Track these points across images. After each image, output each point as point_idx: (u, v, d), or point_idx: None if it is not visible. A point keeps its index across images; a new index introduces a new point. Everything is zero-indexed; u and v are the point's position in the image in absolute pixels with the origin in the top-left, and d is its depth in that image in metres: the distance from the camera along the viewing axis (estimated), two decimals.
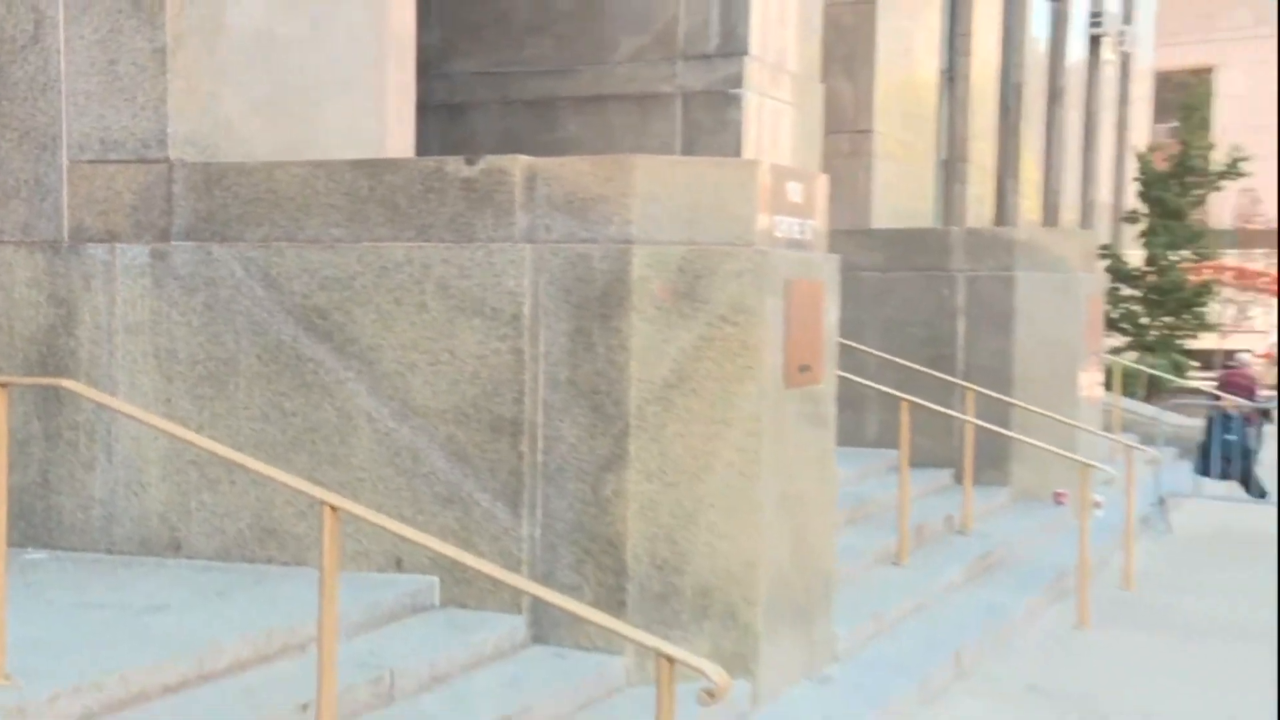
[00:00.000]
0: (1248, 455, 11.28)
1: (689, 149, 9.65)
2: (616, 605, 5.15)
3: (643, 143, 9.66)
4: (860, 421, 9.81)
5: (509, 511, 5.27)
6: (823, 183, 5.82)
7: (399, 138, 6.72)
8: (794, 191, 5.54)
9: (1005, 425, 9.35)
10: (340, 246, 5.44)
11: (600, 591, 5.20)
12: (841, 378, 6.53)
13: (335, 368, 5.46)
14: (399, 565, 5.40)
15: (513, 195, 5.22)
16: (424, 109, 7.90)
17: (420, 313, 5.34)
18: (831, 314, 5.90)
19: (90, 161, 5.77)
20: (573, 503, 5.24)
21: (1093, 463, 7.90)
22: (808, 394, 5.63)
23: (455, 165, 5.31)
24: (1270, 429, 13.88)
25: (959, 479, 9.25)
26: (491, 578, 4.05)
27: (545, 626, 5.27)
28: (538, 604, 5.17)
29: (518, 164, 5.24)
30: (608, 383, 5.18)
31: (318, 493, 3.84)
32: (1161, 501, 10.45)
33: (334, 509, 3.70)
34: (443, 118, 10.35)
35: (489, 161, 5.27)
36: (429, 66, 9.75)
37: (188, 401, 5.63)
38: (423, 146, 7.48)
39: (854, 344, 9.13)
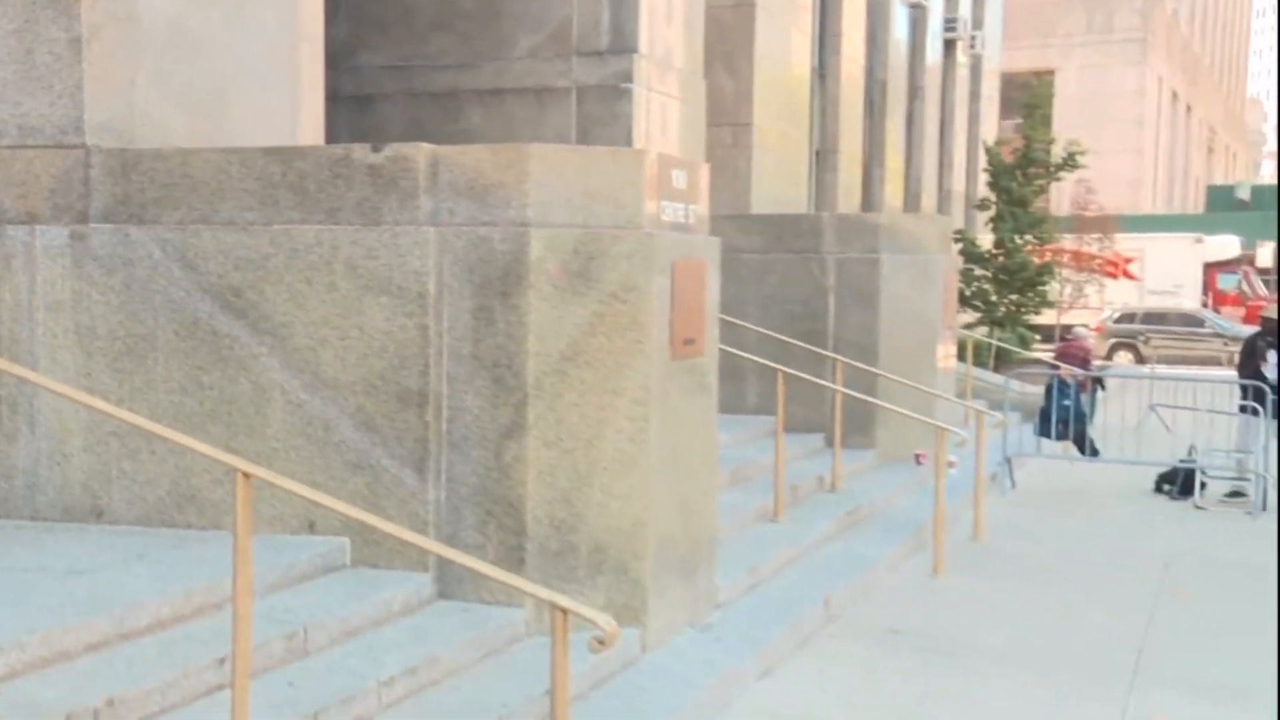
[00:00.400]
0: (1081, 418, 11.61)
1: (583, 139, 9.60)
2: (517, 563, 5.14)
3: (541, 133, 9.58)
4: (741, 391, 9.89)
5: (416, 477, 5.22)
6: (704, 170, 5.83)
7: (309, 127, 6.57)
8: (678, 178, 5.54)
9: (871, 393, 9.50)
10: (253, 229, 5.30)
11: (502, 550, 5.18)
12: (723, 350, 6.57)
13: (250, 343, 5.33)
14: (312, 528, 5.31)
15: (417, 181, 5.14)
16: (334, 100, 7.74)
17: (330, 291, 5.24)
18: (714, 292, 5.92)
19: (9, 147, 5.53)
20: (476, 468, 5.20)
21: (948, 427, 8.08)
22: (692, 366, 5.66)
23: (362, 152, 5.21)
24: (1102, 395, 14.34)
25: (830, 443, 9.37)
26: (399, 539, 4.00)
27: (450, 583, 5.23)
28: (443, 562, 5.13)
29: (421, 152, 5.15)
30: (508, 356, 5.15)
31: (231, 460, 3.75)
32: (1007, 461, 10.73)
33: (247, 475, 3.61)
34: (352, 109, 10.15)
35: (394, 149, 5.18)
36: (338, 59, 9.55)
37: (108, 376, 5.45)
38: (332, 135, 7.32)
39: (735, 320, 9.20)
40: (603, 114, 9.64)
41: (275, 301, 5.29)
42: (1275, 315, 10.41)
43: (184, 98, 5.85)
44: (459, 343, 5.18)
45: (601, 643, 3.27)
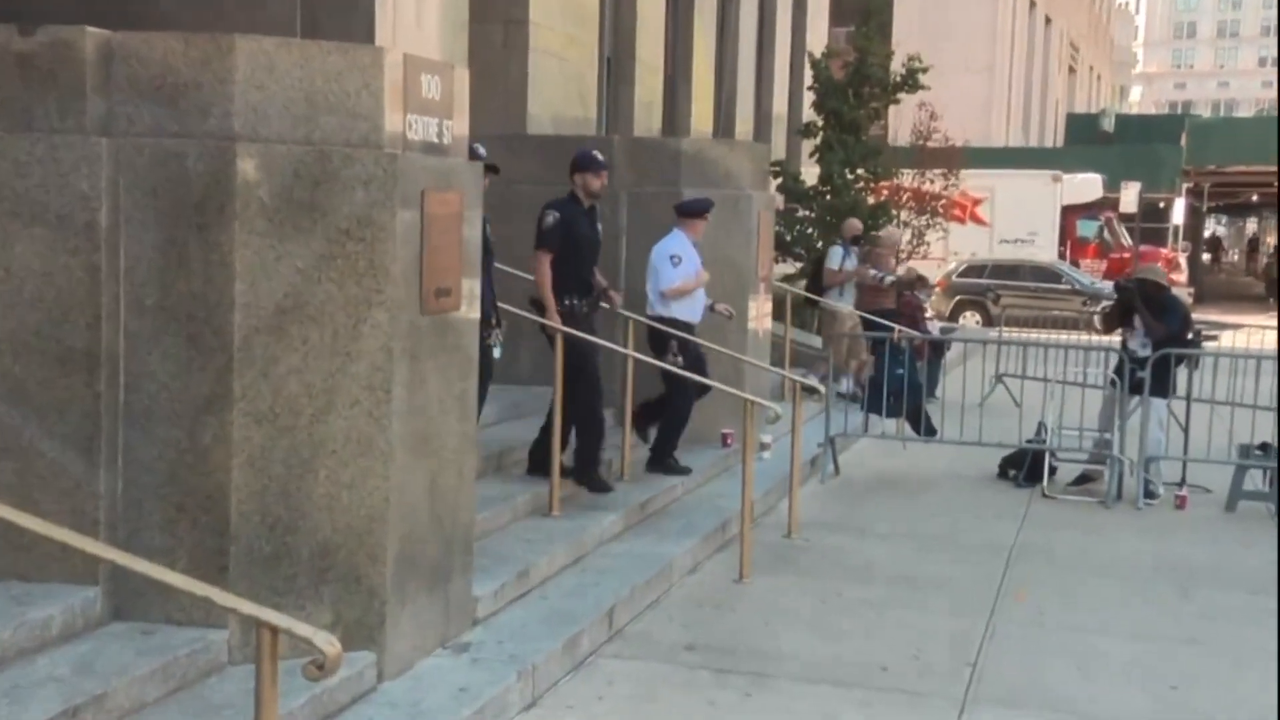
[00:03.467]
0: (917, 391, 12.03)
1: (311, 33, 9.34)
2: (218, 571, 5.05)
3: (256, 23, 9.23)
4: (511, 355, 9.86)
5: (82, 462, 5.05)
6: (463, 77, 5.80)
7: None
8: (431, 86, 5.49)
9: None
10: None
11: (198, 555, 5.09)
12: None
13: None
14: None
15: (83, 76, 4.96)
16: None
17: None
18: (474, 231, 5.92)
19: None
20: (164, 451, 5.08)
21: (760, 400, 8.29)
22: (446, 322, 5.65)
23: (6, 35, 4.97)
24: (943, 364, 14.95)
25: (620, 419, 9.50)
26: (58, 542, 3.86)
27: (128, 598, 5.10)
28: (119, 572, 4.96)
29: (89, 38, 4.97)
30: (207, 308, 5.03)
31: None
32: (830, 441, 11.09)
33: None
34: None
35: (51, 33, 4.97)
36: None
37: None
38: None
39: (504, 267, 9.18)
40: (337, 1, 9.41)
41: None
42: (1154, 276, 11.02)
43: None
44: (142, 289, 5.04)
45: (320, 668, 3.25)
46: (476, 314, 5.99)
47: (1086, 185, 32.83)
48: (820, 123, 19.52)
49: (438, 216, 5.47)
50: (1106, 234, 33.11)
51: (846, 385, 13.35)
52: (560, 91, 13.55)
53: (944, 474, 11.30)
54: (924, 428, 12.05)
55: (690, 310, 9.64)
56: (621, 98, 16.03)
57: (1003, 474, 11.21)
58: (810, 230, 19.02)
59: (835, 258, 14.56)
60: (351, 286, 5.15)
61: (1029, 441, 11.11)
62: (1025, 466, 10.96)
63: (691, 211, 9.73)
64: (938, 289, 24.87)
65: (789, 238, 18.63)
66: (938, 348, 14.71)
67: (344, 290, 5.14)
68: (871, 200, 19.55)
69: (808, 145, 20.79)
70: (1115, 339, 11.31)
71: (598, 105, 14.99)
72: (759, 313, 11.38)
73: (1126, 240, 33.36)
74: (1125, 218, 34.07)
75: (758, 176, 11.64)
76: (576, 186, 8.75)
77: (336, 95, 5.12)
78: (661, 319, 9.53)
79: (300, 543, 5.17)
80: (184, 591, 3.76)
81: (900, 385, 11.73)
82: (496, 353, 7.74)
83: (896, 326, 13.16)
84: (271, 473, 5.12)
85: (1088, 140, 41.23)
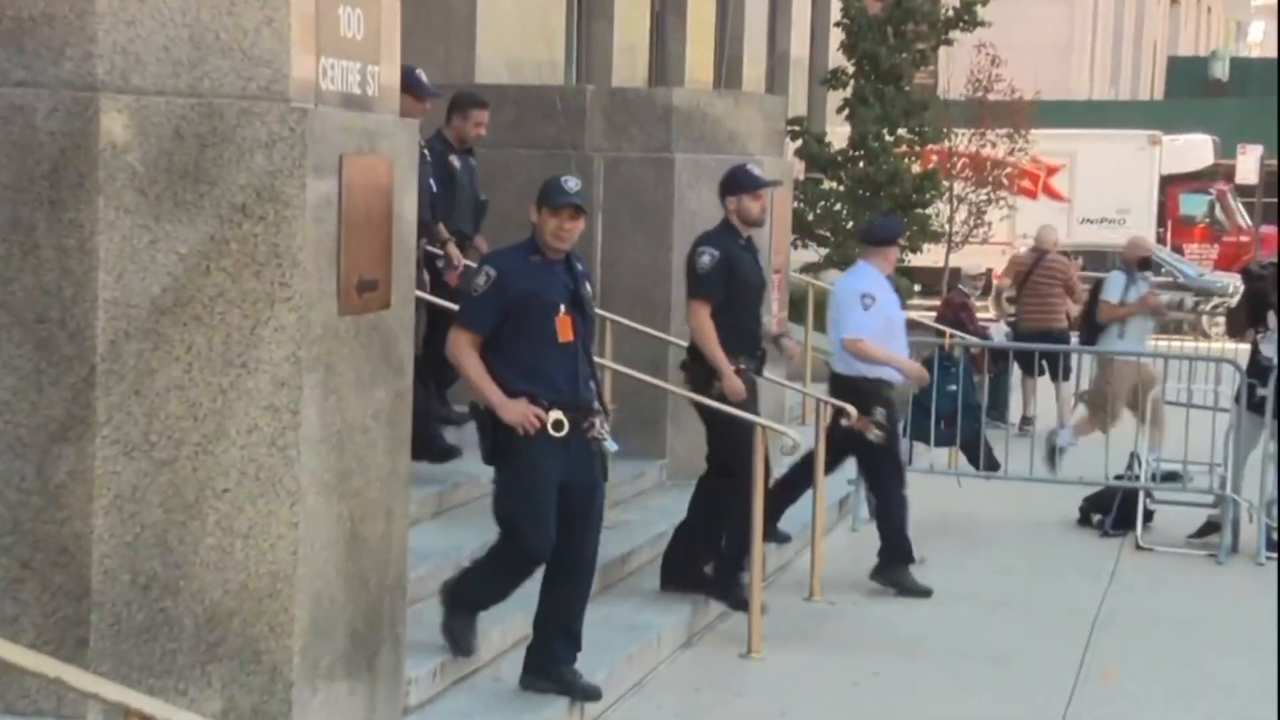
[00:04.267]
0: (974, 413, 12.00)
1: None
2: (75, 644, 5.06)
3: None
4: None
5: None
6: (393, 10, 5.80)
7: None
8: (350, 22, 5.49)
9: (659, 372, 9.62)
10: None
11: (49, 625, 5.08)
12: (426, 301, 6.55)
13: None
14: None
15: None
16: None
17: None
18: (408, 207, 5.92)
19: None
20: (3, 491, 5.08)
21: (774, 425, 8.28)
22: (372, 324, 5.65)
23: None
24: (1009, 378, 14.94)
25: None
26: None
27: None
28: None
29: None
30: (61, 306, 5.05)
31: None
32: (862, 478, 11.08)
33: None
34: None
35: None
36: None
37: None
38: None
39: None
40: None
41: None
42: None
43: None
44: None
45: None
46: (410, 314, 5.98)
47: (1193, 149, 32.85)
48: (851, 69, 19.58)
49: (360, 188, 5.46)
50: (1218, 211, 33.13)
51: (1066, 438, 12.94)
52: (518, 30, 13.57)
53: (1009, 519, 11.31)
54: (984, 460, 12.05)
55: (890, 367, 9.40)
56: (597, 38, 16.06)
57: (1085, 519, 11.22)
58: (838, 206, 19.04)
59: (1115, 286, 13.37)
60: (249, 279, 5.14)
61: (1118, 478, 11.12)
62: (1114, 510, 10.97)
63: (882, 238, 9.65)
64: (1002, 281, 24.86)
65: (811, 216, 18.70)
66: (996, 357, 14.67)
67: (239, 284, 5.13)
68: (917, 168, 19.60)
69: (835, 98, 20.82)
70: (1235, 346, 11.29)
71: (566, 47, 15.02)
72: (773, 311, 11.37)
73: (1244, 220, 33.36)
74: (1243, 190, 34.10)
75: (770, 138, 11.65)
76: (730, 213, 8.37)
77: (230, 33, 5.11)
78: (854, 380, 9.28)
79: (182, 609, 5.15)
80: (31, 672, 3.74)
81: (953, 407, 11.72)
82: (611, 447, 6.67)
83: (950, 332, 13.14)
84: (146, 518, 5.11)
85: (1195, 92, 41.34)
